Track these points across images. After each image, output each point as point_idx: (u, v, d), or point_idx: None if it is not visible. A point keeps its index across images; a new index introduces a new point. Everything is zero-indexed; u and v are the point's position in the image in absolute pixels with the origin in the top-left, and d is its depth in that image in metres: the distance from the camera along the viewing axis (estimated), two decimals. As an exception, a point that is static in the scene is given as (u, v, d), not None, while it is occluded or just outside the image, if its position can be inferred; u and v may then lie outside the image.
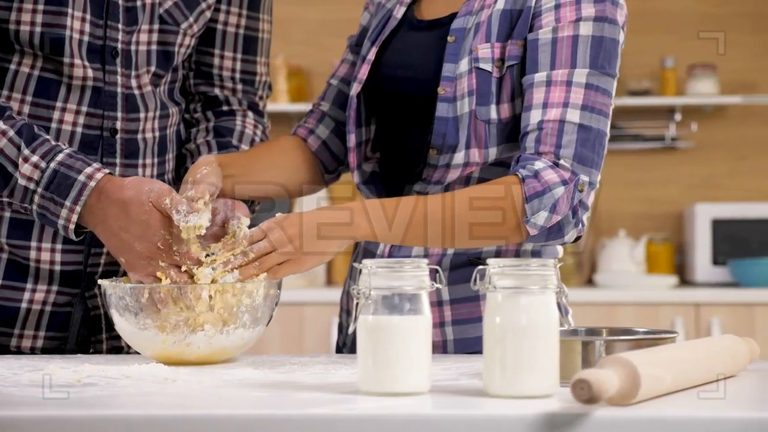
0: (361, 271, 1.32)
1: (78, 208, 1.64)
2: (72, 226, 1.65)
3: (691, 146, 4.74)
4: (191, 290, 1.56)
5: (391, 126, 1.87)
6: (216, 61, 1.94)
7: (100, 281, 1.63)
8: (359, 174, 1.87)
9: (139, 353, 1.69)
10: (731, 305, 4.18)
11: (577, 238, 1.72)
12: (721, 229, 4.45)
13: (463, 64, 1.75)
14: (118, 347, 1.86)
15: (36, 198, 1.66)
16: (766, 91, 4.71)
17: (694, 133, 4.73)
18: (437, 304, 1.81)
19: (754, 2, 4.72)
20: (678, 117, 4.71)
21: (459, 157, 1.76)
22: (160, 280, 1.60)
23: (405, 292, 1.30)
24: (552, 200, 1.65)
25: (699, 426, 1.17)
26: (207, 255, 1.62)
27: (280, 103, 4.66)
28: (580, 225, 1.70)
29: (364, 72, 1.85)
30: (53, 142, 1.69)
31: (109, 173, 1.66)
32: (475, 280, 1.32)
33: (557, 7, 1.73)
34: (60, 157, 1.67)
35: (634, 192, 4.74)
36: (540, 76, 1.71)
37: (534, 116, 1.70)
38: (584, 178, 1.68)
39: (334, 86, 1.98)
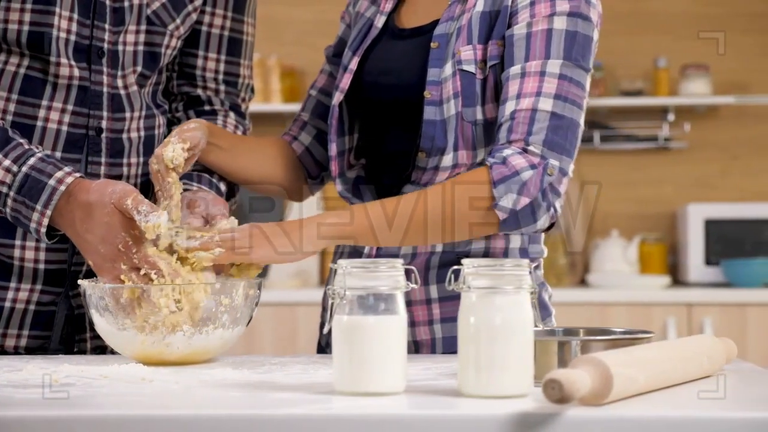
0: (336, 271, 1.32)
1: (48, 212, 1.65)
2: (43, 230, 1.67)
3: (684, 146, 4.75)
4: (154, 291, 1.57)
5: (376, 133, 1.88)
6: (199, 62, 1.94)
7: (79, 281, 1.63)
8: (342, 182, 1.89)
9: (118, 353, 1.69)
10: (723, 305, 4.18)
11: (551, 226, 1.74)
12: (713, 229, 4.46)
13: (448, 68, 1.77)
14: (102, 346, 1.86)
15: (9, 201, 1.67)
16: (759, 91, 4.72)
17: (687, 133, 4.74)
18: (426, 302, 1.82)
19: (747, 3, 4.73)
20: (671, 117, 4.72)
21: (448, 159, 1.77)
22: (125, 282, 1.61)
23: (380, 292, 1.30)
24: (519, 183, 1.67)
25: (675, 426, 1.17)
26: (170, 228, 1.63)
27: (273, 104, 4.67)
28: (552, 210, 1.70)
29: (346, 81, 1.87)
30: (26, 146, 1.70)
31: (81, 177, 1.67)
32: (450, 280, 1.32)
33: (532, 4, 1.75)
34: (32, 161, 1.67)
35: (627, 192, 4.74)
36: (515, 69, 1.73)
37: (508, 108, 1.72)
38: (554, 162, 1.69)
39: (313, 97, 2.01)
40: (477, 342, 1.28)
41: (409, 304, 1.82)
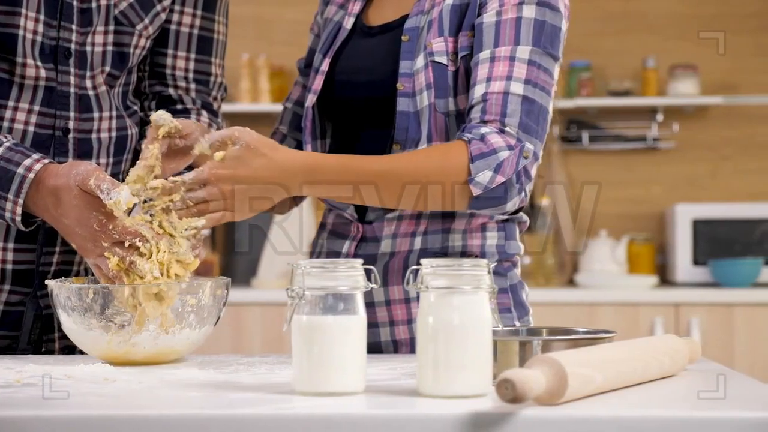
0: (295, 271, 1.32)
1: (20, 201, 1.66)
2: (18, 218, 1.67)
3: (673, 147, 4.75)
4: (116, 291, 1.57)
5: (350, 133, 1.88)
6: (169, 61, 1.95)
7: (47, 281, 1.63)
8: None
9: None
10: (711, 305, 4.19)
11: (519, 209, 1.76)
12: (701, 229, 4.46)
13: (420, 60, 1.79)
14: (70, 346, 1.86)
15: None
16: (748, 91, 4.72)
17: (675, 133, 4.74)
18: (405, 301, 1.82)
19: (735, 3, 4.73)
20: (660, 117, 4.72)
21: None
22: (109, 260, 1.61)
23: (339, 292, 1.31)
24: (497, 161, 1.68)
25: (634, 426, 1.18)
26: (145, 201, 1.63)
27: (262, 104, 4.67)
28: (523, 193, 1.73)
29: (318, 83, 1.87)
30: None
31: (50, 162, 1.67)
32: (409, 280, 1.32)
33: None
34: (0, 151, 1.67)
35: (616, 192, 4.74)
36: (484, 54, 1.75)
37: (478, 90, 1.73)
38: (529, 146, 1.71)
39: (289, 110, 2.01)
40: (435, 342, 1.28)
41: (388, 303, 1.82)
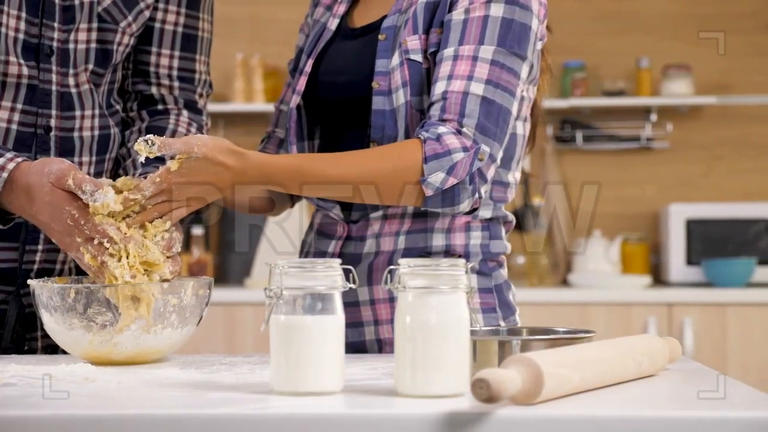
0: (273, 270, 1.32)
1: None
2: None
3: (667, 147, 4.75)
4: (96, 292, 1.57)
5: (334, 135, 1.89)
6: (153, 58, 1.94)
7: (29, 281, 1.63)
8: None
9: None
10: (704, 305, 4.19)
11: (473, 210, 1.75)
12: (695, 229, 4.46)
13: (395, 58, 1.79)
14: (53, 345, 1.87)
15: None
16: (741, 91, 4.72)
17: (669, 133, 4.74)
18: (389, 300, 1.82)
19: (729, 3, 4.73)
20: (653, 117, 4.72)
21: None
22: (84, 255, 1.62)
23: (317, 292, 1.31)
24: (450, 163, 1.68)
25: (610, 426, 1.18)
26: (113, 217, 1.62)
27: (256, 103, 4.67)
28: (477, 195, 1.72)
29: (301, 84, 1.88)
30: None
31: (23, 161, 1.67)
32: (387, 280, 1.32)
33: None
34: None
35: (610, 192, 4.74)
36: (448, 51, 1.75)
37: (439, 87, 1.73)
38: (485, 148, 1.71)
39: (284, 112, 2.01)
40: (413, 342, 1.28)
41: (372, 302, 1.83)
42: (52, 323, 1.60)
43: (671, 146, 4.75)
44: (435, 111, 1.72)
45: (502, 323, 1.86)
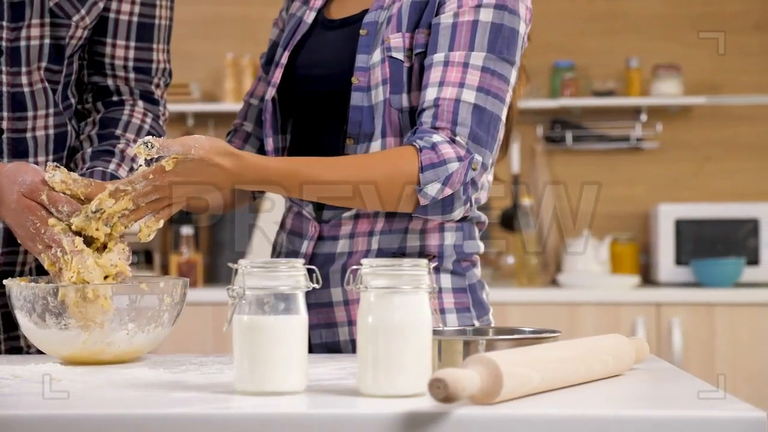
0: (236, 270, 1.33)
1: None
2: None
3: (656, 147, 4.75)
4: (52, 291, 1.57)
5: (309, 128, 1.89)
6: (108, 50, 1.92)
7: (5, 281, 1.63)
8: None
9: (41, 353, 1.69)
10: (692, 305, 4.19)
11: (464, 218, 1.77)
12: (684, 229, 4.46)
13: (376, 54, 1.79)
14: (17, 348, 1.86)
15: None
16: (731, 91, 4.73)
17: (659, 133, 4.74)
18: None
19: (718, 3, 4.73)
20: (643, 117, 4.72)
21: (376, 146, 1.78)
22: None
23: (280, 292, 1.31)
24: (446, 173, 1.69)
25: (568, 425, 1.18)
26: (95, 211, 1.62)
27: (246, 104, 4.68)
28: (469, 203, 1.74)
29: (277, 76, 1.87)
30: None
31: None
32: (349, 280, 1.33)
33: None
34: None
35: (600, 192, 4.74)
36: (438, 57, 1.75)
37: (430, 93, 1.73)
38: (478, 157, 1.72)
39: (254, 106, 2.00)
40: (375, 342, 1.29)
41: (346, 303, 1.83)
42: (29, 324, 1.59)
43: (661, 146, 4.76)
44: (427, 118, 1.73)
45: (476, 322, 1.86)
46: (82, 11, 1.84)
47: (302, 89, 1.87)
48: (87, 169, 1.82)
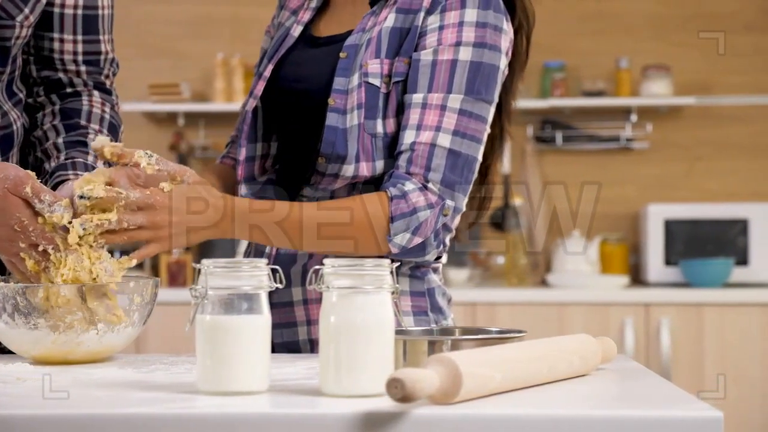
0: (199, 270, 1.33)
1: None
2: None
3: (647, 147, 4.75)
4: (29, 293, 1.57)
5: (287, 139, 1.90)
6: (56, 45, 1.90)
7: None
8: (248, 187, 1.89)
9: (9, 354, 1.70)
10: (681, 305, 4.19)
11: (438, 257, 1.80)
12: (674, 229, 4.46)
13: (355, 78, 1.79)
14: None
15: None
16: (720, 92, 4.73)
17: (649, 133, 4.74)
18: (322, 300, 1.83)
19: (707, 4, 4.73)
20: (633, 118, 4.73)
21: (349, 170, 1.79)
22: (25, 260, 1.62)
23: (243, 292, 1.31)
24: (416, 223, 1.72)
25: (528, 425, 1.18)
26: (81, 197, 1.60)
27: (236, 103, 4.68)
28: (442, 246, 1.77)
29: (259, 88, 1.88)
30: None
31: None
32: (311, 279, 1.33)
33: (441, 28, 1.78)
34: None
35: (590, 192, 4.74)
36: (417, 98, 1.76)
37: (408, 136, 1.75)
38: (449, 203, 1.74)
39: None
40: (337, 342, 1.29)
41: (306, 302, 1.83)
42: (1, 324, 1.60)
43: (651, 146, 4.76)
44: (402, 162, 1.75)
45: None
46: (26, 10, 1.82)
47: (283, 102, 1.88)
48: (67, 159, 1.80)
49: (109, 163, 1.66)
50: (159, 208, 1.62)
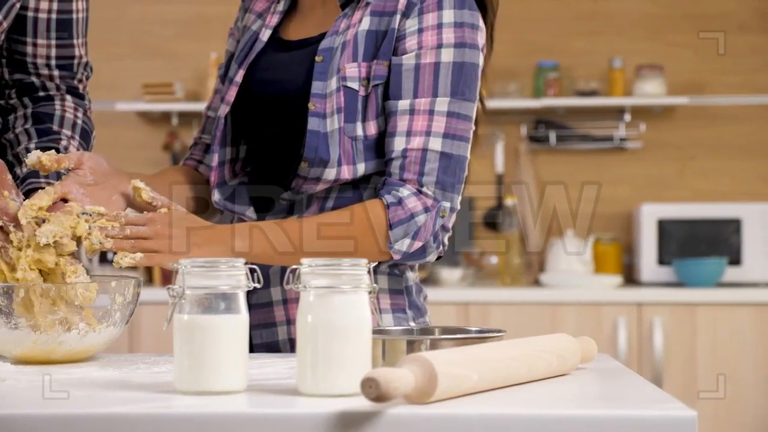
0: (177, 270, 1.33)
1: None
2: None
3: (640, 147, 4.75)
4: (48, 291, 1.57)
5: (262, 143, 1.89)
6: (29, 49, 1.91)
7: None
8: (220, 191, 1.89)
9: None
10: (673, 305, 4.19)
11: (439, 257, 1.81)
12: (667, 229, 4.46)
13: (333, 83, 1.79)
14: None
15: None
16: (714, 92, 4.73)
17: (642, 133, 4.74)
18: None
19: (701, 4, 4.73)
20: (627, 117, 4.72)
21: (331, 173, 1.79)
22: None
23: (220, 292, 1.31)
24: (415, 227, 1.74)
25: (503, 424, 1.18)
26: (83, 213, 1.63)
27: (229, 104, 4.68)
28: (441, 246, 1.80)
29: (231, 94, 1.87)
30: None
31: None
32: (288, 279, 1.33)
33: (420, 31, 1.78)
34: None
35: (584, 191, 4.73)
36: (404, 104, 1.77)
37: (398, 143, 1.77)
38: (445, 204, 1.77)
39: (212, 118, 2.01)
40: (314, 341, 1.29)
41: (285, 302, 1.83)
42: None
43: (644, 146, 4.76)
44: (395, 170, 1.77)
45: (413, 324, 1.86)
46: (0, 16, 1.82)
47: (256, 105, 1.87)
48: (25, 176, 1.80)
49: (57, 174, 1.67)
50: (160, 221, 1.66)
